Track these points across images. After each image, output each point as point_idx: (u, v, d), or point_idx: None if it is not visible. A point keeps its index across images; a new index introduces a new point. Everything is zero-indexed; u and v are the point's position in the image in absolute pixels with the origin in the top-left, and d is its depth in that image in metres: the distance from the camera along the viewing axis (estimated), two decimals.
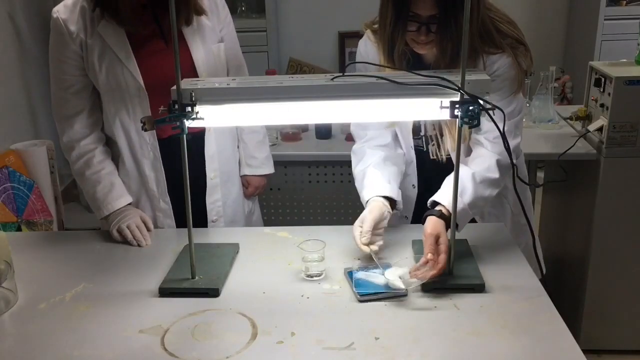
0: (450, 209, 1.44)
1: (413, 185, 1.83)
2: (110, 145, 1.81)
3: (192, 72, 1.73)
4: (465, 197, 1.55)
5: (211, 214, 1.88)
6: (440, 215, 1.48)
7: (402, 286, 1.39)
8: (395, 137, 1.80)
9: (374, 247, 1.51)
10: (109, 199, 1.75)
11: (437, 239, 1.44)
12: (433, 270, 1.40)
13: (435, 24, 1.48)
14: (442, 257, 1.42)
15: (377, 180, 1.65)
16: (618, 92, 2.23)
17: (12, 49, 3.22)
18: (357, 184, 1.71)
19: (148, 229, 1.74)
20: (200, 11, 1.73)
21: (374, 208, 1.57)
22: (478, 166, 1.60)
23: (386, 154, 1.74)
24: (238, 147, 1.97)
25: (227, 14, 1.85)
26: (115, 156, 1.81)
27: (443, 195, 1.53)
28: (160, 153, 1.77)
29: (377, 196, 1.60)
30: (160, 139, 1.76)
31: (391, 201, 1.62)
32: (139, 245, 1.68)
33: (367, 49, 1.70)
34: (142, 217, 1.76)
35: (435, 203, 1.53)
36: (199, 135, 1.80)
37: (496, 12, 1.60)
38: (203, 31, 1.76)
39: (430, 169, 1.76)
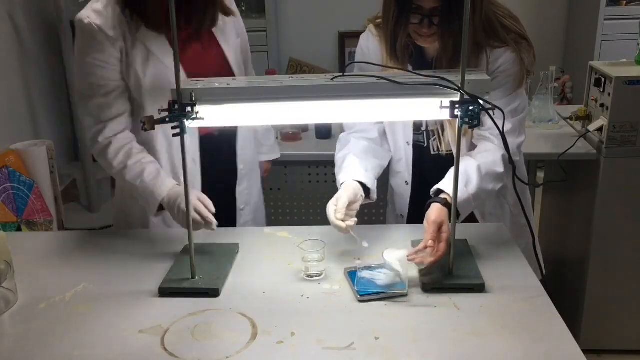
0: None
1: (406, 182, 1.84)
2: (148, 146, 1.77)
3: (227, 69, 1.75)
4: (470, 188, 1.55)
5: (240, 202, 1.90)
6: (445, 203, 1.49)
7: (400, 269, 1.40)
8: (383, 134, 1.81)
9: (350, 222, 1.51)
10: (160, 181, 1.66)
11: (439, 227, 1.45)
12: (432, 257, 1.41)
13: (438, 16, 1.48)
14: (443, 245, 1.42)
15: (355, 166, 1.67)
16: (618, 92, 2.23)
17: (12, 49, 3.22)
18: (336, 169, 1.73)
19: (207, 208, 1.59)
20: (227, 12, 1.74)
21: (348, 187, 1.59)
22: (484, 159, 1.61)
23: (370, 145, 1.76)
24: None
25: (235, 8, 1.87)
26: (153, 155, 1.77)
27: (448, 184, 1.53)
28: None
29: (352, 180, 1.62)
30: (201, 139, 1.76)
31: (365, 189, 1.63)
32: (208, 227, 1.57)
33: (369, 43, 1.71)
34: (199, 197, 1.60)
35: (439, 191, 1.54)
36: (230, 129, 1.82)
37: (499, 7, 1.60)
38: (228, 28, 1.78)
39: (429, 166, 1.76)
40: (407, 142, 1.78)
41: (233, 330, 1.29)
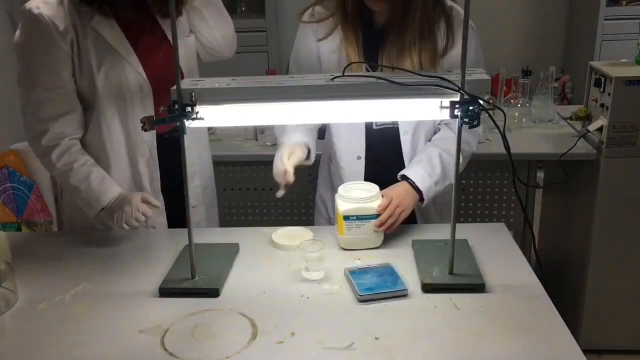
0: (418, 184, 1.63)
1: (358, 157, 1.83)
2: (91, 149, 1.75)
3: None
4: (434, 177, 1.66)
5: (192, 200, 1.84)
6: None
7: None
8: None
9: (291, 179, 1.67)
10: (106, 186, 1.68)
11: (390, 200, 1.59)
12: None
13: None
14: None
15: (298, 130, 1.76)
16: (618, 92, 2.23)
17: (12, 49, 3.22)
18: (277, 133, 1.80)
19: (155, 206, 1.68)
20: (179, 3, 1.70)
21: (297, 147, 1.70)
22: (446, 145, 1.70)
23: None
24: None
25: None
26: (102, 159, 1.75)
27: (412, 171, 1.67)
28: (157, 150, 1.76)
29: (298, 141, 1.72)
30: (159, 135, 1.75)
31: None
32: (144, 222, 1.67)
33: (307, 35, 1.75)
34: (143, 197, 1.67)
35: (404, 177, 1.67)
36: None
37: None
38: (181, 26, 1.73)
39: (379, 139, 1.79)
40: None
41: (233, 330, 1.29)
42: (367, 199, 1.57)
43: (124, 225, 1.66)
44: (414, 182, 1.64)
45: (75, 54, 1.63)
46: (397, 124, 1.75)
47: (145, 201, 1.67)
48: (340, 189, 1.62)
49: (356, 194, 1.59)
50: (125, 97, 1.69)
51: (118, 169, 1.76)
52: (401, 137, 1.75)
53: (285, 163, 1.65)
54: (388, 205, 1.58)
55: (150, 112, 1.69)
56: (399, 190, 1.63)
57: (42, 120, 1.66)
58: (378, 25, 1.66)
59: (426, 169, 1.66)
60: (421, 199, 1.66)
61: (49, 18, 1.57)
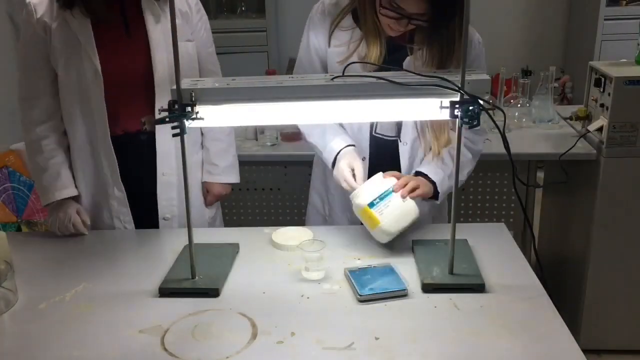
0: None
1: (364, 157, 1.81)
2: (67, 133, 1.81)
3: (147, 63, 1.72)
4: (447, 171, 1.69)
5: (163, 211, 1.84)
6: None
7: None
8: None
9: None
10: (53, 188, 1.77)
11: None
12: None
13: (418, 20, 1.50)
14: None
15: (342, 133, 1.74)
16: (618, 92, 2.23)
17: (12, 49, 3.22)
18: (319, 144, 1.76)
19: (84, 222, 1.78)
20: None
21: (354, 155, 1.68)
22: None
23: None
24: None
25: (200, 18, 1.83)
26: (72, 141, 1.80)
27: (426, 168, 1.69)
28: (115, 146, 1.76)
29: (348, 145, 1.70)
30: (113, 136, 1.75)
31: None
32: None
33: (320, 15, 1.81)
34: (78, 211, 1.79)
35: (418, 173, 1.69)
36: (152, 135, 1.75)
37: None
38: (167, 27, 1.71)
39: (385, 151, 1.78)
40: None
41: (233, 330, 1.29)
42: (377, 181, 1.59)
43: (56, 230, 1.76)
44: (427, 175, 1.67)
45: (48, 39, 1.69)
46: (397, 137, 1.75)
47: (79, 214, 1.78)
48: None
49: (364, 186, 1.60)
50: (82, 86, 1.71)
51: (82, 155, 1.80)
52: (400, 147, 1.75)
53: (353, 184, 1.62)
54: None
55: (102, 104, 1.71)
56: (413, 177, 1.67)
57: (24, 99, 1.79)
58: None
59: (438, 164, 1.69)
60: (435, 194, 1.67)
61: (34, 6, 1.69)
